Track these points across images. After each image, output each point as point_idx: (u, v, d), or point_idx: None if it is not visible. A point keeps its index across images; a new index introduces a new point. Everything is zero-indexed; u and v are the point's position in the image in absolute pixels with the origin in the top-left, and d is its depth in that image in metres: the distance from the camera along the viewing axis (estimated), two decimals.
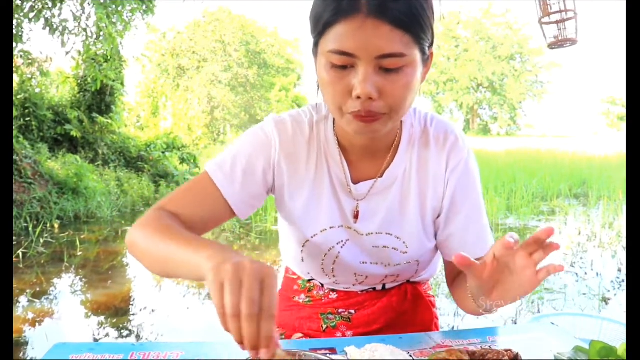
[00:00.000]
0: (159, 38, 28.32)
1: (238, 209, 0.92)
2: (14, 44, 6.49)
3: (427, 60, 0.81)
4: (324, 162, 0.94)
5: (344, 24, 0.72)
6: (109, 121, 9.36)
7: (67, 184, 6.89)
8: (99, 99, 9.38)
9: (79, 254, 4.75)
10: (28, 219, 5.86)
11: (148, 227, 0.80)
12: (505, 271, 0.72)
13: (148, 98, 19.44)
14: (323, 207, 0.94)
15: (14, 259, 4.34)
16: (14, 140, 6.97)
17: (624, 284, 3.78)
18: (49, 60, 7.93)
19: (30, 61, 7.27)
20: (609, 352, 0.67)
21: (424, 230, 0.96)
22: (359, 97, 0.75)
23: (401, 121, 0.94)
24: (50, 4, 6.53)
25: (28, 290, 3.61)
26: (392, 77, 0.75)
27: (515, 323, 3.04)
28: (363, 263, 0.99)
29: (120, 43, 7.11)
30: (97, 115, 9.24)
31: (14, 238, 5.19)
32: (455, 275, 0.97)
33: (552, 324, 1.26)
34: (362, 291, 1.07)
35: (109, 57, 7.41)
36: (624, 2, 0.97)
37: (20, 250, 4.58)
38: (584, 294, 3.60)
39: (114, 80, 9.02)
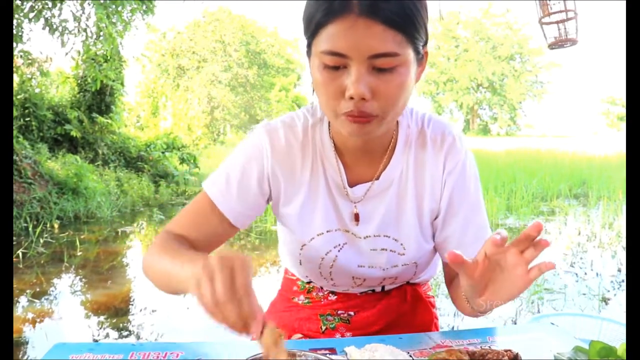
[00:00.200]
0: (159, 38, 28.32)
1: (237, 221, 0.93)
2: (14, 44, 6.49)
3: (421, 59, 0.80)
4: (320, 166, 0.93)
5: (336, 24, 0.72)
6: (109, 121, 9.36)
7: (67, 184, 6.89)
8: (98, 99, 9.38)
9: (79, 254, 4.75)
10: (28, 219, 5.85)
11: (154, 249, 0.86)
12: (497, 269, 0.72)
13: (148, 98, 19.45)
14: (319, 211, 0.94)
15: (14, 259, 4.34)
16: (14, 140, 6.97)
17: (623, 284, 3.78)
18: (48, 60, 7.93)
19: (30, 61, 7.27)
20: (609, 352, 0.67)
21: (422, 232, 0.96)
22: (351, 98, 0.75)
23: (397, 122, 0.93)
24: (50, 4, 6.53)
25: (28, 290, 3.61)
26: (386, 77, 0.74)
27: (515, 323, 3.04)
28: (360, 266, 0.99)
29: (120, 43, 7.11)
30: (97, 115, 9.24)
31: (14, 238, 5.19)
32: (453, 276, 0.96)
33: (552, 324, 1.26)
34: (362, 293, 1.07)
35: (108, 57, 7.41)
36: (624, 2, 0.97)
37: (20, 250, 4.58)
38: (584, 294, 3.60)
39: (114, 81, 9.02)
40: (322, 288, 1.09)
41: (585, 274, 4.11)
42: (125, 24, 7.05)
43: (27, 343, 2.77)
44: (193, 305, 3.43)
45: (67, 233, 5.62)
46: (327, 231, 0.95)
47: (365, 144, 0.90)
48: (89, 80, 8.44)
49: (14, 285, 3.68)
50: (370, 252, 0.97)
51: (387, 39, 0.71)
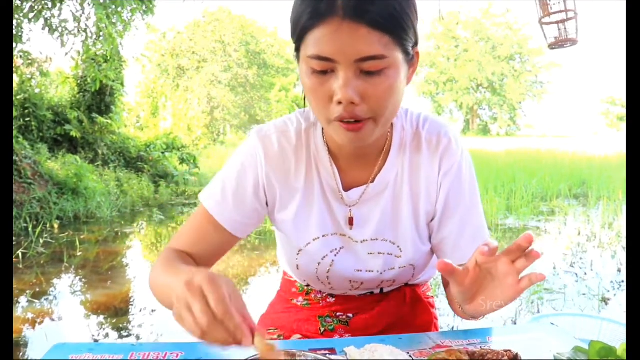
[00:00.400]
0: (158, 38, 28.33)
1: (237, 231, 0.93)
2: (14, 44, 6.49)
3: (411, 60, 0.79)
4: (314, 170, 0.93)
5: (321, 28, 0.71)
6: (109, 121, 9.36)
7: (67, 184, 6.89)
8: (98, 99, 9.38)
9: (79, 254, 4.75)
10: (28, 219, 5.85)
11: (156, 267, 0.87)
12: (488, 278, 0.71)
13: (148, 98, 19.46)
14: (315, 216, 0.93)
15: (14, 259, 4.34)
16: (14, 141, 6.97)
17: (623, 284, 3.78)
18: (48, 60, 7.94)
19: (30, 61, 7.27)
20: (609, 353, 0.67)
21: (418, 235, 0.95)
22: (340, 103, 0.73)
23: (392, 124, 0.92)
24: (50, 5, 6.53)
25: (28, 291, 3.61)
26: (374, 80, 0.73)
27: (515, 323, 3.04)
28: (358, 271, 0.98)
29: (120, 43, 7.11)
30: (97, 116, 9.24)
31: (14, 238, 5.19)
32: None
33: (552, 324, 1.26)
34: (360, 295, 1.07)
35: (108, 58, 7.41)
36: (624, 2, 0.97)
37: (20, 250, 4.58)
38: (584, 294, 3.60)
39: (114, 81, 9.02)
40: (320, 291, 1.09)
41: (585, 274, 4.11)
42: (125, 24, 7.05)
43: (27, 343, 2.77)
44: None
45: (67, 233, 5.62)
46: (323, 236, 0.94)
47: (360, 147, 0.89)
48: (89, 80, 8.44)
49: (14, 286, 3.68)
50: (367, 255, 0.96)
51: (373, 41, 0.70)
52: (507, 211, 7.00)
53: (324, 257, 0.97)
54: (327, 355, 0.71)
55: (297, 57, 0.78)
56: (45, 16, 6.59)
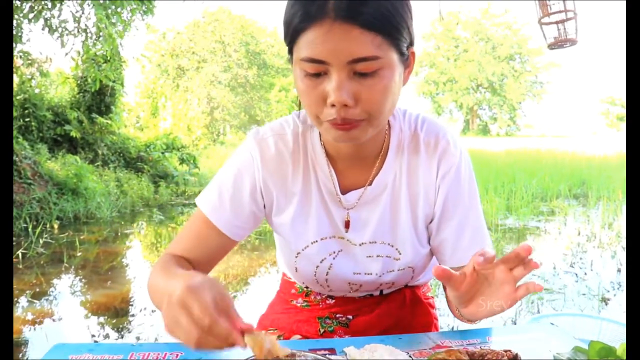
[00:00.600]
0: (158, 38, 28.33)
1: (235, 234, 0.93)
2: (14, 45, 6.49)
3: (406, 60, 0.78)
4: (312, 173, 0.92)
5: (313, 29, 0.70)
6: (109, 122, 9.36)
7: (67, 185, 6.89)
8: (98, 100, 9.38)
9: (79, 254, 4.75)
10: (27, 219, 5.85)
11: (153, 271, 0.86)
12: (485, 284, 0.71)
13: (148, 98, 19.45)
14: (312, 219, 0.93)
15: (14, 260, 4.34)
16: (14, 141, 6.97)
17: (623, 284, 3.78)
18: (48, 60, 7.93)
19: (29, 62, 7.27)
20: (608, 353, 0.67)
21: (417, 237, 0.95)
22: (333, 105, 0.73)
23: (389, 125, 0.91)
24: (49, 5, 6.53)
25: (28, 291, 3.61)
26: (368, 81, 0.72)
27: (515, 323, 3.04)
28: (356, 274, 0.98)
29: (120, 43, 7.11)
30: (97, 116, 9.24)
31: (14, 238, 5.19)
32: None
33: (552, 324, 1.26)
34: (360, 297, 1.06)
35: (108, 58, 7.40)
36: (624, 2, 0.97)
37: (20, 250, 4.57)
38: (584, 294, 3.60)
39: (114, 81, 9.01)
40: (320, 292, 1.09)
41: (585, 274, 4.11)
42: (125, 24, 7.06)
43: (26, 344, 2.77)
44: None
45: (66, 233, 5.62)
46: (321, 239, 0.94)
47: (357, 149, 0.88)
48: (89, 80, 8.43)
49: (14, 286, 3.68)
50: (366, 258, 0.96)
51: (365, 42, 0.69)
52: (507, 211, 7.00)
53: (323, 260, 0.96)
54: (327, 356, 0.71)
55: (291, 60, 0.78)
56: (45, 16, 6.60)
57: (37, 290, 3.66)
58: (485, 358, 0.72)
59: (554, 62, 42.05)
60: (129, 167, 9.42)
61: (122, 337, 2.90)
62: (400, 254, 0.95)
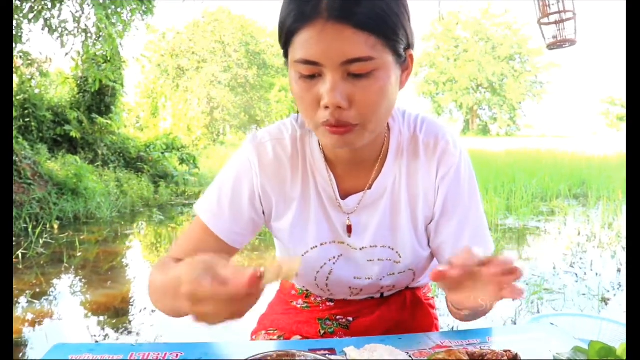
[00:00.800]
0: (158, 38, 28.33)
1: (234, 242, 0.91)
2: (14, 45, 6.49)
3: (404, 63, 0.77)
4: (311, 178, 0.91)
5: (306, 30, 0.69)
6: (109, 122, 9.36)
7: (67, 185, 6.89)
8: (98, 100, 9.38)
9: (79, 254, 4.75)
10: (27, 219, 5.85)
11: (152, 273, 0.85)
12: (471, 279, 0.69)
13: (147, 99, 19.46)
14: (312, 225, 0.92)
15: (14, 260, 4.34)
16: (14, 141, 6.97)
17: (623, 284, 3.78)
18: (48, 60, 7.93)
19: (29, 62, 7.27)
20: (608, 353, 0.67)
21: (417, 240, 0.94)
22: (327, 107, 0.71)
23: (388, 127, 0.90)
24: (49, 5, 6.53)
25: (28, 291, 3.61)
26: (362, 83, 0.71)
27: (515, 323, 3.04)
28: (357, 278, 0.97)
29: (120, 44, 7.11)
30: (97, 116, 9.24)
31: (14, 239, 5.19)
32: None
33: (552, 324, 1.26)
34: (360, 299, 1.06)
35: (108, 58, 7.41)
36: (624, 2, 0.97)
37: (20, 251, 4.57)
38: (584, 295, 3.60)
39: (114, 81, 9.02)
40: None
41: (585, 274, 4.11)
42: (125, 24, 7.06)
43: (26, 344, 2.77)
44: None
45: (66, 234, 5.62)
46: (321, 244, 0.93)
47: (356, 153, 0.87)
48: (89, 80, 8.43)
49: (14, 286, 3.68)
50: (366, 263, 0.95)
51: (359, 42, 0.68)
52: (507, 211, 7.00)
53: (323, 265, 0.96)
54: (327, 356, 0.71)
55: (287, 63, 0.77)
56: (45, 16, 6.60)
57: (37, 290, 3.66)
58: (485, 358, 0.72)
59: (553, 62, 42.09)
60: (129, 167, 9.42)
61: (122, 337, 2.90)
62: (400, 257, 0.95)
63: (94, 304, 3.48)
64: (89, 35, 6.96)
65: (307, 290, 1.10)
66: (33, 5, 6.38)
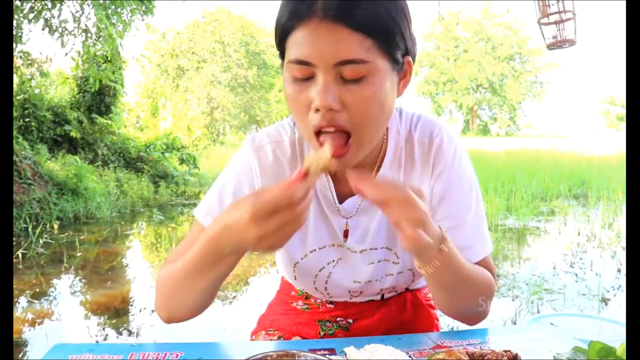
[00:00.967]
0: (158, 38, 28.35)
1: None
2: (14, 45, 6.49)
3: (401, 69, 0.74)
4: None
5: (300, 29, 0.67)
6: (109, 122, 9.37)
7: (67, 185, 6.89)
8: (98, 100, 9.38)
9: (79, 254, 4.75)
10: (27, 219, 5.85)
11: (161, 276, 0.86)
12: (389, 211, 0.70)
13: (147, 99, 19.44)
14: (311, 228, 0.92)
15: (14, 260, 4.34)
16: (14, 141, 6.97)
17: (623, 284, 3.78)
18: (48, 60, 7.94)
19: (29, 62, 7.27)
20: (608, 353, 0.67)
21: None
22: (318, 110, 0.69)
23: (387, 128, 0.88)
24: (49, 5, 6.53)
25: (28, 291, 3.61)
26: (355, 87, 0.68)
27: (515, 323, 3.04)
28: (356, 282, 0.97)
29: (120, 44, 7.11)
30: (97, 116, 9.25)
31: (14, 239, 5.19)
32: None
33: (552, 324, 1.26)
34: (361, 302, 1.06)
35: (109, 58, 7.41)
36: (624, 2, 0.97)
37: (20, 251, 4.57)
38: (583, 295, 3.60)
39: (114, 81, 9.02)
40: None
41: (585, 274, 4.11)
42: (125, 24, 7.06)
43: (26, 344, 2.77)
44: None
45: (66, 234, 5.62)
46: (320, 248, 0.93)
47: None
48: (90, 80, 8.44)
49: (14, 286, 3.68)
50: (366, 265, 0.95)
51: (353, 44, 0.66)
52: (507, 211, 7.00)
53: (322, 269, 0.95)
54: (327, 356, 0.71)
55: (282, 66, 0.75)
56: (45, 16, 6.60)
57: (37, 290, 3.66)
58: (485, 358, 0.72)
59: (553, 62, 42.11)
60: (129, 167, 9.42)
61: (122, 337, 2.90)
62: (398, 257, 0.94)
63: (94, 304, 3.48)
64: (89, 35, 6.97)
65: (307, 292, 1.09)
66: (33, 5, 6.38)
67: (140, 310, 3.30)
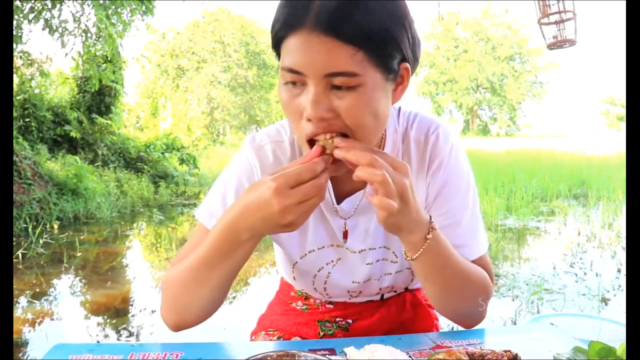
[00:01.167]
0: (158, 39, 28.35)
1: None
2: (14, 45, 6.49)
3: (396, 77, 0.73)
4: None
5: (292, 38, 0.67)
6: (109, 122, 9.37)
7: (67, 185, 6.89)
8: (98, 100, 9.38)
9: (79, 254, 4.75)
10: (27, 219, 5.85)
11: (169, 278, 0.85)
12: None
13: (147, 99, 19.44)
14: (310, 229, 0.92)
15: (14, 260, 4.34)
16: (14, 141, 6.97)
17: (623, 285, 3.78)
18: (48, 61, 7.95)
19: (29, 62, 7.27)
20: (608, 353, 0.67)
21: None
22: (309, 120, 0.69)
23: (385, 129, 0.88)
24: (49, 5, 6.53)
25: (28, 291, 3.61)
26: (346, 96, 0.68)
27: (515, 323, 3.04)
28: (355, 282, 0.97)
29: (120, 44, 7.11)
30: (97, 116, 9.25)
31: (14, 239, 5.19)
32: None
33: (552, 324, 1.26)
34: (360, 302, 1.06)
35: (109, 58, 7.41)
36: (624, 2, 0.97)
37: (20, 251, 4.57)
38: (584, 295, 3.60)
39: (114, 81, 9.02)
40: None
41: (585, 274, 4.11)
42: (125, 24, 7.06)
43: (26, 344, 2.77)
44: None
45: (66, 234, 5.62)
46: (319, 248, 0.93)
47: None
48: (91, 81, 8.43)
49: (14, 286, 3.68)
50: (364, 265, 0.95)
51: (344, 56, 0.65)
52: (506, 211, 7.00)
53: (320, 269, 0.95)
54: (327, 356, 0.71)
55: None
56: (45, 16, 6.60)
57: (37, 290, 3.66)
58: (485, 358, 0.72)
59: (553, 62, 42.10)
60: (129, 168, 9.42)
61: (122, 337, 2.90)
62: (396, 256, 0.94)
63: (94, 304, 3.48)
64: (89, 35, 6.97)
65: (306, 292, 1.09)
66: (33, 5, 6.38)
67: (140, 311, 3.30)
